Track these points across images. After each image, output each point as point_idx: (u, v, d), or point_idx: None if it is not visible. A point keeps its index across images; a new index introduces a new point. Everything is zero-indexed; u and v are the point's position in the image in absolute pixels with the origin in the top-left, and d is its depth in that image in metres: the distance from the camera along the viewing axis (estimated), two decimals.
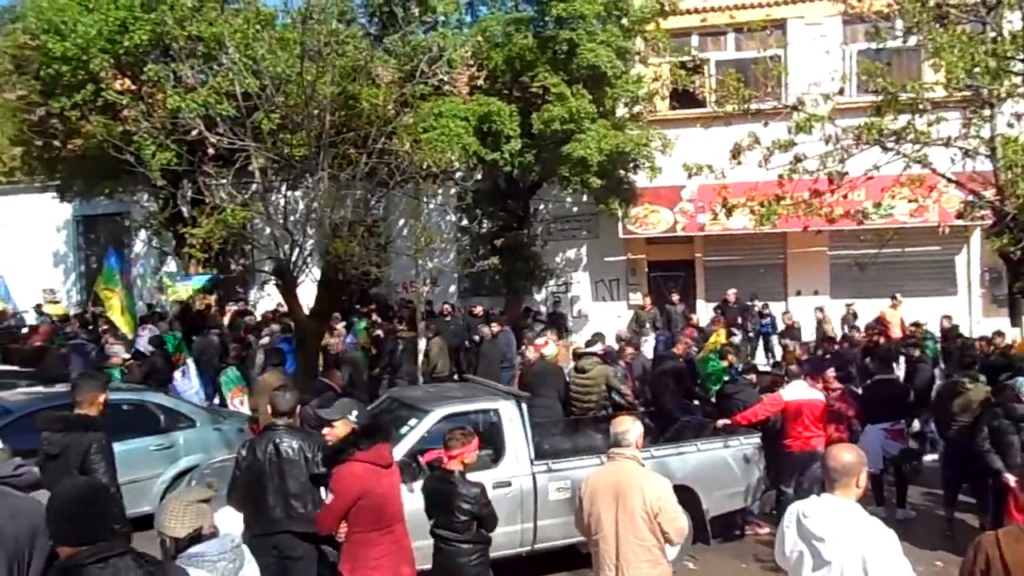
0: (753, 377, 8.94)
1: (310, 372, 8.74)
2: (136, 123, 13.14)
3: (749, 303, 14.97)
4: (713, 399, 9.18)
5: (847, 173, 8.83)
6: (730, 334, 12.95)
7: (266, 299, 19.08)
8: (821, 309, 15.09)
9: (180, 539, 3.20)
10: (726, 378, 9.02)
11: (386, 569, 4.52)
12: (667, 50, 14.09)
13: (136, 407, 8.31)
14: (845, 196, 9.35)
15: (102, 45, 12.86)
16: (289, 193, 12.50)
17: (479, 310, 15.53)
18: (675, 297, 15.79)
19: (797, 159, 8.76)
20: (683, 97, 15.33)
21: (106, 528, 2.85)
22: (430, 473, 5.12)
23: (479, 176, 10.97)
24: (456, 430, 5.13)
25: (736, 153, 8.79)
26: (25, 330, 14.35)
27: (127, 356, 10.61)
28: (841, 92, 10.53)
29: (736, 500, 7.46)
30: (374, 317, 14.95)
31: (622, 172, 14.03)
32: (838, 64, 12.84)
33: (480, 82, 13.59)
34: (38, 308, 18.25)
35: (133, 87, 13.94)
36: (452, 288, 18.95)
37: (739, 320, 14.53)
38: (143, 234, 19.46)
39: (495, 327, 12.39)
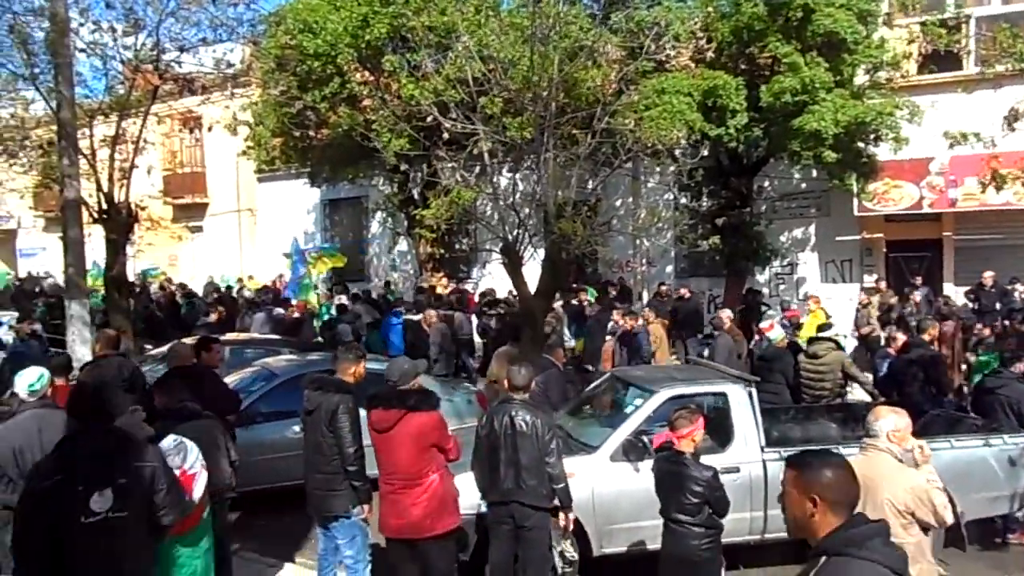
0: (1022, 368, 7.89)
1: (536, 350, 8.97)
2: (374, 112, 14.25)
3: (1009, 287, 13.30)
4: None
5: None
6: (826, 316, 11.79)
7: (487, 278, 19.91)
8: None
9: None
10: (986, 371, 8.09)
11: None
12: (918, 8, 12.72)
13: (378, 376, 9.02)
14: None
15: (347, 40, 13.99)
16: (510, 175, 12.92)
17: (685, 292, 15.17)
18: (918, 280, 14.40)
19: None
20: (937, 59, 13.85)
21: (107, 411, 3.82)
22: (660, 454, 5.06)
23: (705, 152, 10.58)
24: (682, 410, 5.05)
25: (1014, 118, 7.71)
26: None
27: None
28: None
29: (998, 505, 6.70)
30: (582, 297, 15.13)
31: (860, 144, 12.93)
32: None
33: (705, 56, 13.10)
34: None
35: (372, 78, 15.02)
36: (669, 268, 18.65)
37: (997, 306, 12.99)
38: (379, 216, 21.08)
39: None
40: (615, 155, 9.12)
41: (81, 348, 10.38)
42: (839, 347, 8.87)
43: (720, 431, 6.48)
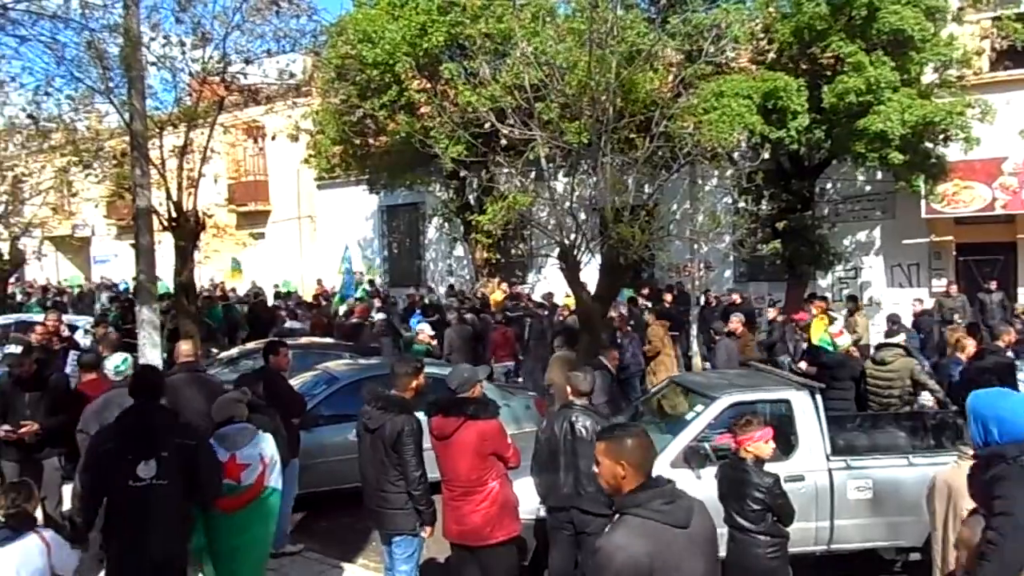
0: None
1: (593, 354, 8.95)
2: (432, 119, 14.42)
3: None
4: None
5: None
6: (831, 320, 11.45)
7: (543, 283, 19.92)
8: None
9: (217, 422, 4.93)
10: None
11: None
12: (991, 3, 12.30)
13: (437, 382, 9.09)
14: None
15: (405, 49, 14.21)
16: (566, 179, 12.91)
17: (736, 297, 14.92)
18: (992, 284, 13.89)
19: None
20: (1012, 55, 13.37)
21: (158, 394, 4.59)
22: (723, 461, 5.00)
23: (766, 155, 10.41)
24: (744, 415, 4.98)
25: None
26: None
27: (432, 333, 11.62)
28: None
29: None
30: (640, 302, 15.02)
31: (929, 145, 12.56)
32: None
33: (765, 57, 12.90)
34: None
35: (429, 86, 15.21)
36: (728, 273, 18.39)
37: None
38: (436, 221, 21.30)
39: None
40: (673, 159, 9.03)
41: (151, 351, 10.73)
42: (908, 353, 8.61)
43: (783, 439, 6.35)
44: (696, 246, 17.27)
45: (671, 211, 16.39)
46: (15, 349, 6.32)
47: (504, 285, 18.39)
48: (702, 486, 5.90)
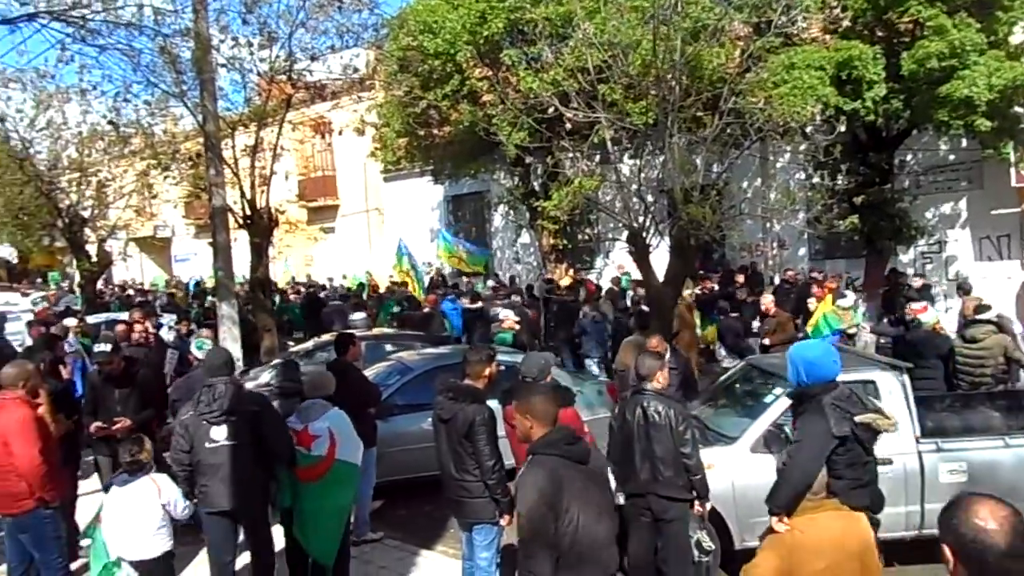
0: None
1: (664, 337, 8.81)
2: (494, 107, 14.41)
3: None
4: None
5: None
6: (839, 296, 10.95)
7: (610, 267, 19.75)
8: None
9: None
10: None
11: None
12: None
13: (509, 369, 9.11)
14: None
15: (466, 38, 14.20)
16: (632, 161, 12.72)
17: (817, 275, 14.43)
18: None
19: None
20: None
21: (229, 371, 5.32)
22: None
23: (842, 128, 10.02)
24: None
25: None
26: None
27: (517, 319, 11.65)
28: None
29: None
30: (707, 284, 14.76)
31: (1018, 110, 11.87)
32: None
33: (837, 26, 12.38)
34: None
35: (490, 73, 15.19)
36: (802, 251, 17.86)
37: None
38: (501, 209, 21.33)
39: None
40: (744, 136, 8.77)
41: (232, 345, 11.07)
42: (1001, 330, 8.19)
43: None
44: (768, 224, 16.88)
45: (742, 189, 16.02)
46: (105, 347, 6.56)
47: (571, 271, 18.28)
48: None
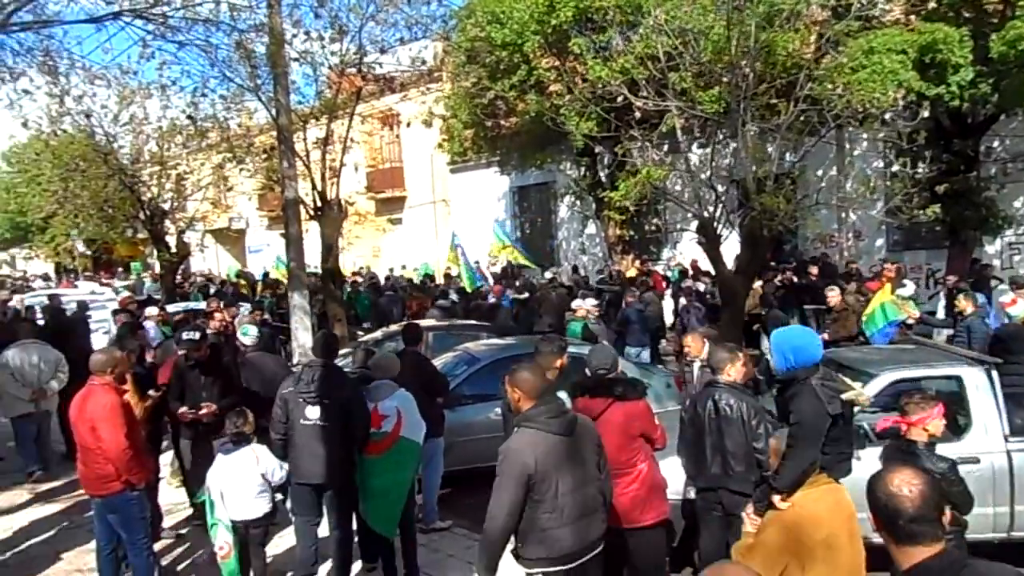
0: None
1: (736, 329, 8.65)
2: (561, 96, 14.32)
3: None
4: None
5: None
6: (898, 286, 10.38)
7: (678, 258, 19.46)
8: None
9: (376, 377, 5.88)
10: None
11: None
12: None
13: (576, 360, 9.06)
14: None
15: (534, 27, 14.13)
16: (700, 151, 12.47)
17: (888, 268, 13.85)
18: None
19: None
20: None
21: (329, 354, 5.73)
22: (888, 443, 4.66)
23: (926, 114, 9.62)
24: (915, 395, 4.63)
25: None
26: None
27: (596, 303, 11.59)
28: None
29: None
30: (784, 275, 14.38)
31: None
32: None
33: (921, 8, 11.86)
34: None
35: (558, 63, 15.10)
36: (879, 242, 17.26)
37: None
38: (567, 200, 21.23)
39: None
40: (821, 123, 8.49)
41: (303, 334, 11.33)
42: None
43: (953, 419, 5.87)
44: (844, 214, 16.36)
45: (816, 178, 15.56)
46: (193, 335, 6.79)
47: (637, 262, 18.09)
48: (861, 468, 5.59)
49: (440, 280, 20.91)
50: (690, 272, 15.98)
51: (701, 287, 13.40)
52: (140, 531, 5.42)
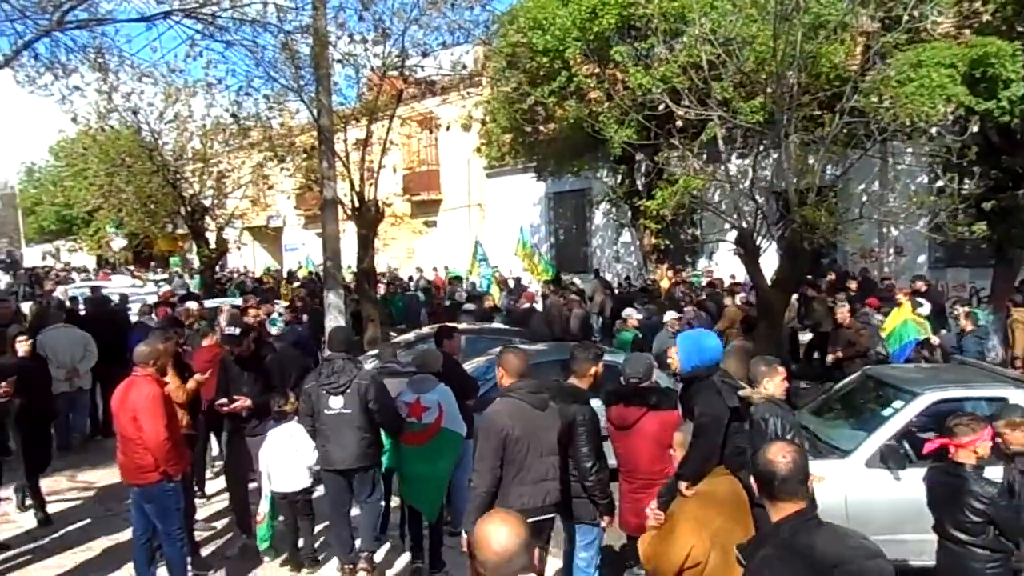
0: None
1: (773, 343, 8.53)
2: (600, 104, 14.27)
3: None
4: None
5: None
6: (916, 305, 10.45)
7: (714, 268, 19.29)
8: None
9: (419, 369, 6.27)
10: None
11: None
12: None
13: (611, 368, 9.01)
14: None
15: (575, 34, 14.12)
16: (739, 161, 12.33)
17: (920, 285, 13.53)
18: None
19: None
20: None
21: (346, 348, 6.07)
22: (934, 464, 4.56)
23: (975, 129, 9.42)
24: (964, 416, 4.51)
25: None
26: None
27: (640, 317, 11.58)
28: None
29: None
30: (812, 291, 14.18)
31: None
32: None
33: (973, 22, 11.61)
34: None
35: (597, 70, 15.07)
36: (922, 258, 16.95)
37: None
38: (603, 207, 21.16)
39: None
40: (868, 136, 8.35)
41: None
42: None
43: None
44: (885, 229, 16.09)
45: (858, 192, 15.31)
46: (234, 330, 6.92)
47: (670, 272, 17.97)
48: (902, 488, 5.49)
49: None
50: (718, 286, 15.79)
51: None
52: (175, 522, 5.49)
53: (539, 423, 4.43)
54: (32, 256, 46.52)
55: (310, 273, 24.01)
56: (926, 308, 10.88)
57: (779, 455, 2.74)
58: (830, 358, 10.31)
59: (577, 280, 19.73)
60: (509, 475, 4.35)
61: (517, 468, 4.36)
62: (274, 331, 8.19)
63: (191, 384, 6.42)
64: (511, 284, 19.19)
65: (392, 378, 6.49)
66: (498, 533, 2.21)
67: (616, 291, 17.62)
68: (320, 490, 6.21)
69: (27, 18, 8.18)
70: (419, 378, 6.10)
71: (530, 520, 3.84)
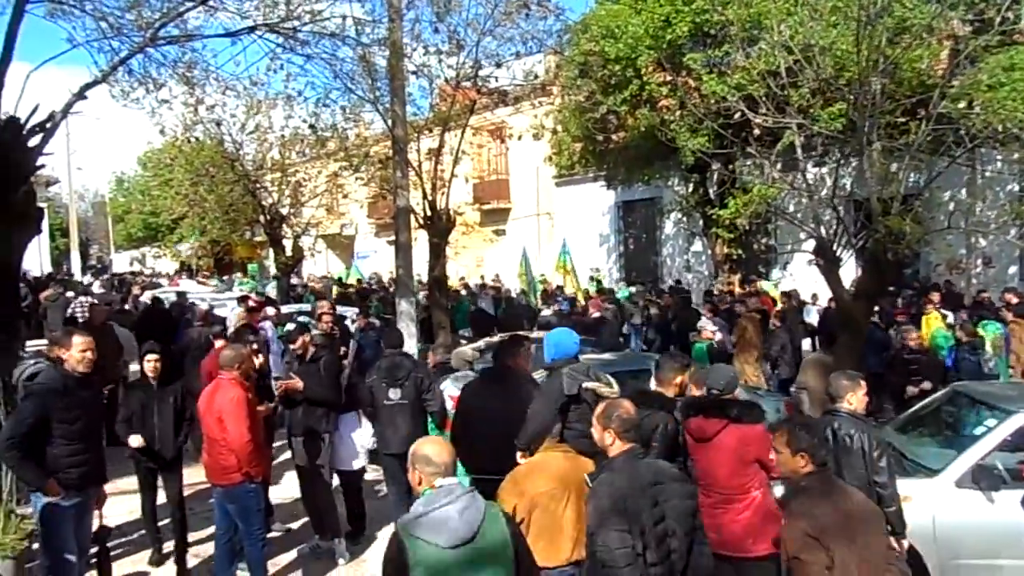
0: None
1: (854, 356, 8.26)
2: (672, 112, 14.14)
3: None
4: None
5: None
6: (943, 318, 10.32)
7: (787, 279, 18.81)
8: None
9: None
10: None
11: None
12: None
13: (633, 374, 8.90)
14: None
15: (648, 42, 14.05)
16: (816, 169, 12.01)
17: (1011, 298, 12.81)
18: None
19: None
20: None
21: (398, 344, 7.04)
22: None
23: None
24: None
25: None
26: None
27: (715, 328, 11.43)
28: None
29: None
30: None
31: None
32: None
33: None
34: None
35: (670, 78, 14.94)
36: (1013, 269, 16.18)
37: None
38: (673, 216, 20.92)
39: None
40: (958, 143, 8.03)
41: (408, 341, 11.57)
42: None
43: None
44: (973, 239, 15.43)
45: (944, 201, 14.74)
46: (291, 325, 7.20)
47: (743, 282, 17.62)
48: (996, 511, 5.24)
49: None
50: (796, 301, 15.35)
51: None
52: (256, 522, 5.65)
53: (495, 398, 5.41)
54: (120, 262, 48.61)
55: (359, 282, 24.45)
56: (950, 318, 11.24)
57: (621, 407, 3.89)
58: (912, 389, 9.20)
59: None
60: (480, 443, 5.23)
61: (483, 434, 5.29)
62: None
63: (262, 408, 6.45)
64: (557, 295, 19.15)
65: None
66: None
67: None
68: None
69: (124, 35, 8.58)
70: (460, 374, 7.14)
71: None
